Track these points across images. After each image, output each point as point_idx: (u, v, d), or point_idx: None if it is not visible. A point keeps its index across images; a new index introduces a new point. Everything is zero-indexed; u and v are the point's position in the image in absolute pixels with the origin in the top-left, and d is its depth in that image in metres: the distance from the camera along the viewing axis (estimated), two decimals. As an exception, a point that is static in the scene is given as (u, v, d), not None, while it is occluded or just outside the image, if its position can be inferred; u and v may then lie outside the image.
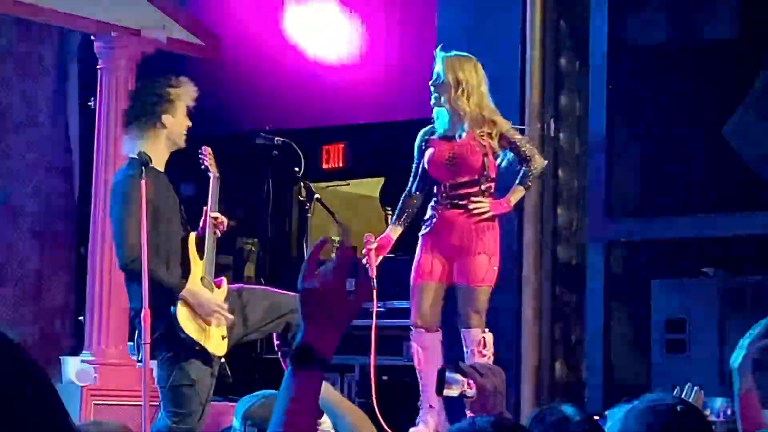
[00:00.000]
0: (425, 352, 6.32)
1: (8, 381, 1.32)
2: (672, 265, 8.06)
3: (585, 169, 8.02)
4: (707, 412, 4.03)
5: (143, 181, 5.01)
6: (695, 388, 3.54)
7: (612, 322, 7.86)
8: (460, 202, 6.30)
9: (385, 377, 8.23)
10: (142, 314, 4.90)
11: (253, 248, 9.54)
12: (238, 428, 4.05)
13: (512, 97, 7.55)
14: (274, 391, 4.56)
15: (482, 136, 6.29)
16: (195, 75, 8.30)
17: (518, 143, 6.40)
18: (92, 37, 6.88)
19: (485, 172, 6.30)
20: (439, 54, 6.33)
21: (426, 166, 6.34)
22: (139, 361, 5.15)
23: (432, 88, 6.27)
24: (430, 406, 6.26)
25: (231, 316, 5.18)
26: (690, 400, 3.48)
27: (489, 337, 6.25)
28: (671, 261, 8.06)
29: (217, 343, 5.15)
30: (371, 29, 9.08)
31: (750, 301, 7.52)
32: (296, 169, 6.27)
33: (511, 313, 7.42)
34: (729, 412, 4.71)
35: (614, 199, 8.00)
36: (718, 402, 4.62)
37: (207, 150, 5.53)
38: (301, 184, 6.27)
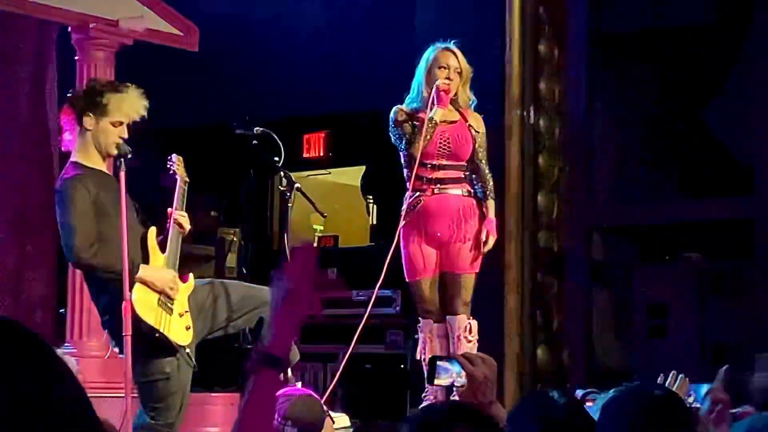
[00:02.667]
0: (433, 342, 6.33)
1: (40, 376, 1.33)
2: (652, 250, 8.10)
3: (565, 155, 8.04)
4: (691, 398, 4.03)
5: (122, 180, 5.01)
6: (680, 375, 3.55)
7: (593, 308, 7.89)
8: (446, 187, 6.31)
9: (368, 365, 8.25)
10: (122, 306, 4.89)
11: (234, 238, 9.53)
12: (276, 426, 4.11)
13: (492, 85, 7.56)
14: (310, 392, 4.60)
15: (472, 128, 6.36)
16: (173, 65, 8.30)
17: (482, 158, 6.43)
18: (69, 29, 6.86)
19: (470, 163, 6.36)
20: (451, 45, 6.37)
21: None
22: (120, 353, 5.14)
23: (449, 79, 6.29)
24: (435, 396, 6.27)
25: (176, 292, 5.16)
26: (675, 387, 3.49)
27: (474, 323, 6.28)
28: (652, 246, 8.10)
29: (179, 332, 5.10)
30: (352, 17, 9.08)
31: (730, 286, 7.56)
32: (276, 158, 6.26)
33: (493, 299, 7.44)
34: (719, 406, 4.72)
35: (594, 185, 8.03)
36: (703, 388, 4.63)
37: (176, 157, 5.48)
38: (281, 173, 6.26)
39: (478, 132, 6.39)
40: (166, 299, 5.12)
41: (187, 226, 5.31)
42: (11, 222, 8.00)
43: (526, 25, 7.87)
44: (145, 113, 5.21)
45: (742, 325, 7.32)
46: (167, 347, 5.08)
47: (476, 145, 6.37)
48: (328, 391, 6.70)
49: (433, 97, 6.24)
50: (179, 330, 5.12)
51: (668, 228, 7.90)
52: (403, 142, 6.30)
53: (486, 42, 7.74)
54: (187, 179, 5.43)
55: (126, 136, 5.14)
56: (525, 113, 7.84)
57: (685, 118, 7.97)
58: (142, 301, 5.02)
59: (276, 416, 4.12)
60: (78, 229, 4.98)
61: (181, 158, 5.48)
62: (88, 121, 5.12)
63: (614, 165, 8.15)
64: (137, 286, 5.04)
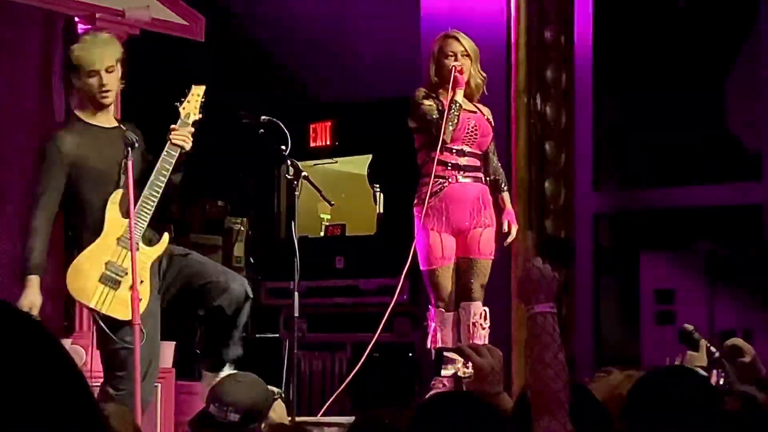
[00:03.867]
0: (444, 331, 6.31)
1: (38, 364, 1.33)
2: (660, 236, 8.09)
3: (572, 142, 8.03)
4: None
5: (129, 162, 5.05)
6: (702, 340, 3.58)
7: (601, 295, 7.89)
8: (470, 174, 6.33)
9: (375, 354, 8.25)
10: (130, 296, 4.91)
11: (241, 228, 9.54)
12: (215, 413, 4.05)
13: (498, 72, 7.55)
14: (237, 371, 4.54)
15: (490, 122, 6.42)
16: (180, 55, 8.30)
17: (493, 149, 6.48)
18: (76, 19, 6.86)
19: (486, 152, 6.41)
20: (457, 32, 6.38)
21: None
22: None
23: (460, 63, 6.30)
24: (444, 385, 6.26)
25: None
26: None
27: (487, 310, 6.28)
28: (659, 233, 8.09)
29: (122, 308, 5.05)
30: (358, 5, 9.07)
31: (738, 271, 7.55)
32: (282, 147, 6.26)
33: (501, 288, 7.44)
34: (722, 381, 4.74)
35: (601, 172, 8.02)
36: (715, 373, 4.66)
37: (195, 88, 5.55)
38: (288, 162, 6.25)
39: (492, 125, 6.43)
40: (114, 272, 5.12)
41: (188, 145, 5.34)
42: (19, 214, 8.01)
43: (531, 12, 7.85)
44: (118, 54, 5.36)
45: (751, 311, 7.32)
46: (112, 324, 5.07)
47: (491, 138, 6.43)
48: (344, 383, 6.68)
49: (453, 82, 6.25)
50: (123, 305, 5.05)
51: (676, 214, 7.89)
52: (429, 122, 6.26)
53: (492, 30, 7.73)
54: (198, 115, 5.46)
55: (106, 82, 5.25)
56: (531, 100, 7.83)
57: (693, 103, 7.96)
58: (80, 281, 5.09)
59: (212, 404, 4.05)
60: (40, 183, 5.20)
61: (200, 91, 5.55)
62: (75, 81, 5.35)
63: (621, 151, 8.14)
64: (74, 265, 5.14)
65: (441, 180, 6.26)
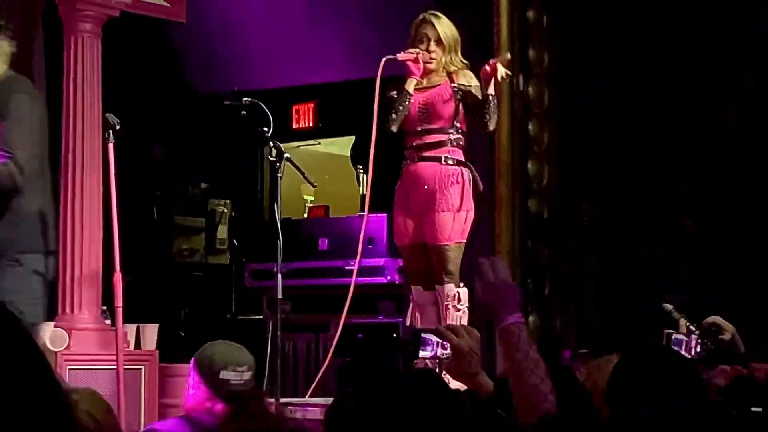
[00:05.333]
0: (422, 309, 6.31)
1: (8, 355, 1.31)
2: (645, 215, 8.10)
3: (554, 122, 8.03)
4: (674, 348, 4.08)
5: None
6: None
7: (584, 274, 7.91)
8: (428, 154, 6.28)
9: (360, 335, 8.25)
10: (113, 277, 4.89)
11: (224, 210, 9.52)
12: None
13: (481, 53, 7.54)
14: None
15: (455, 88, 6.29)
16: (161, 36, 8.28)
17: (490, 92, 6.31)
18: (56, 1, 6.81)
19: (456, 123, 6.29)
20: (434, 16, 6.31)
21: None
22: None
23: (430, 51, 6.26)
24: (426, 365, 6.26)
25: None
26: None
27: (464, 291, 6.24)
28: (644, 212, 8.10)
29: None
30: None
31: (724, 252, 7.57)
32: (265, 129, 6.24)
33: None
34: (699, 348, 4.77)
35: (585, 152, 8.03)
36: (693, 339, 4.68)
37: None
38: (271, 144, 6.24)
39: (470, 85, 6.29)
40: None
41: None
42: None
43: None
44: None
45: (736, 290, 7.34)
46: None
47: (469, 97, 6.26)
48: (323, 366, 6.69)
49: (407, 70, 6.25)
50: None
51: (661, 194, 7.90)
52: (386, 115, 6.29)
53: (474, 10, 7.71)
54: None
55: None
56: (514, 80, 7.82)
57: (676, 83, 7.96)
58: None
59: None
60: None
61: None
62: None
63: (604, 131, 8.14)
64: None
65: (404, 162, 6.31)
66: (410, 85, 6.21)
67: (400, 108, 6.19)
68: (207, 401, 4.06)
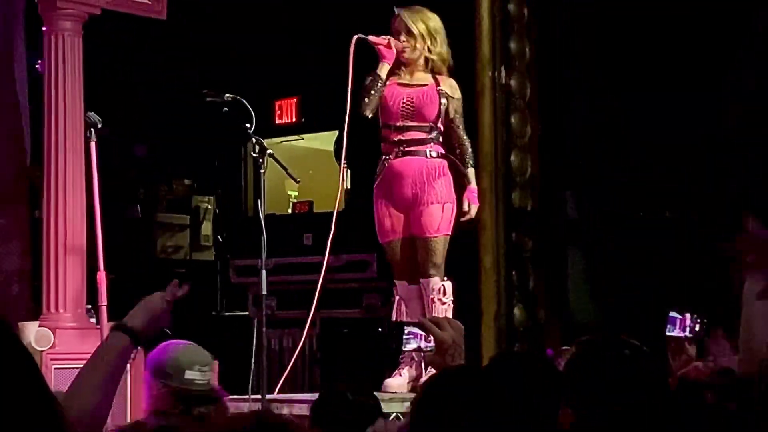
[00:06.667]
0: (407, 303, 6.34)
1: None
2: (627, 207, 8.12)
3: (536, 114, 8.03)
4: (668, 327, 4.09)
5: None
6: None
7: (568, 266, 7.92)
8: (411, 149, 6.31)
9: (345, 329, 8.27)
10: (97, 276, 4.89)
11: (208, 206, 9.52)
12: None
13: (463, 45, 7.54)
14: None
15: (442, 92, 6.37)
16: (143, 33, 8.25)
17: (459, 124, 6.43)
18: (35, 1, 6.80)
19: (438, 125, 6.36)
20: (404, 12, 6.35)
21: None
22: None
23: (404, 40, 6.28)
24: (412, 359, 6.29)
25: None
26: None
27: (449, 285, 6.28)
28: (626, 203, 8.12)
29: None
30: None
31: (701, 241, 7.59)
32: (247, 125, 6.24)
33: (469, 260, 7.45)
34: (697, 328, 4.77)
35: (567, 144, 8.04)
36: (688, 318, 4.68)
37: None
38: (254, 140, 6.25)
39: (453, 97, 6.38)
40: None
41: None
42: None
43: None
44: None
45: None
46: None
47: (449, 108, 6.37)
48: (293, 358, 6.69)
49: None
50: None
51: (644, 185, 7.92)
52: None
53: (457, 2, 7.71)
54: None
55: None
56: (496, 73, 7.82)
57: (656, 76, 7.97)
58: None
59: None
60: None
61: None
62: None
63: (587, 123, 8.15)
64: None
65: (385, 157, 6.32)
66: (382, 70, 6.26)
67: (373, 92, 6.22)
68: (170, 402, 4.07)
